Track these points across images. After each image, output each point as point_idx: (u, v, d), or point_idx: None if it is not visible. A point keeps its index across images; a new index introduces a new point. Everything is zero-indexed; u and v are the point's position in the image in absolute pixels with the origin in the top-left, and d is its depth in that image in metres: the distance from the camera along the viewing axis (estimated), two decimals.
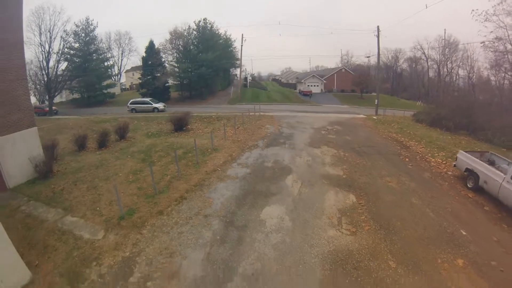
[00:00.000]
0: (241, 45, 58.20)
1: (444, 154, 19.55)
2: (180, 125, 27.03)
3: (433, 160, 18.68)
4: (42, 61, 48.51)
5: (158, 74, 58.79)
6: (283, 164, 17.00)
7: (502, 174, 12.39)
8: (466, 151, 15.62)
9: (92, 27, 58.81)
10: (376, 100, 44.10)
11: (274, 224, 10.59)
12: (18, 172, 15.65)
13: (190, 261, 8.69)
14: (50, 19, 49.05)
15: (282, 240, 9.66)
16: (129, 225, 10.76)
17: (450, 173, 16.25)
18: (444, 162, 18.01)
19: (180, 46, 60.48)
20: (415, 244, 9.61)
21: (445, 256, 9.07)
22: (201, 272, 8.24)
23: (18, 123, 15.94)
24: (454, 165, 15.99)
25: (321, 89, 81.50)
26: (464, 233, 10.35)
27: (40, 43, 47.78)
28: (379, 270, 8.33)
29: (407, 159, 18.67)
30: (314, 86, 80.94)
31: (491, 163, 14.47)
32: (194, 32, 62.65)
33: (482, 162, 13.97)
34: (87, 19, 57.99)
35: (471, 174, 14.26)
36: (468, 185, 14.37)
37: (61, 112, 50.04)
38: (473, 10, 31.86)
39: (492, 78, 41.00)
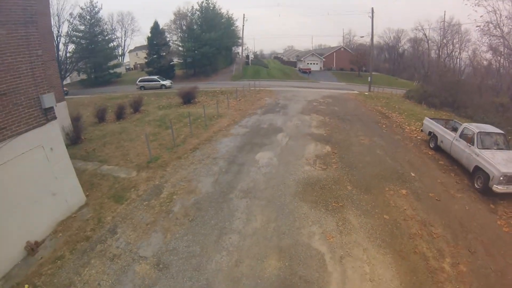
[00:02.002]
0: (243, 25, 60.55)
1: (419, 124, 21.53)
2: (188, 98, 30.01)
3: (407, 127, 21.52)
4: (54, 42, 50.13)
5: (163, 53, 60.97)
6: (276, 126, 20.35)
7: (453, 134, 15.16)
8: (431, 118, 18.31)
9: (96, 9, 60.23)
10: (369, 77, 46.68)
11: (265, 162, 14.03)
12: None
13: (203, 184, 12.08)
14: (58, 3, 51.42)
15: (269, 171, 13.09)
16: (156, 166, 13.96)
17: (419, 138, 18.97)
18: (417, 130, 20.61)
19: (184, 26, 62.66)
20: (370, 177, 12.68)
21: (392, 187, 11.97)
22: (211, 189, 11.63)
23: None
24: (421, 130, 18.79)
25: (320, 67, 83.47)
26: (413, 174, 13.18)
27: (51, 26, 49.57)
28: (338, 190, 11.54)
29: (384, 126, 21.66)
30: (314, 64, 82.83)
31: (454, 129, 16.82)
32: (197, 13, 64.85)
33: (440, 125, 16.71)
34: (91, 1, 59.24)
35: (432, 136, 17.02)
36: (430, 145, 17.11)
37: (70, 93, 51.26)
38: None
39: (492, 62, 41.95)
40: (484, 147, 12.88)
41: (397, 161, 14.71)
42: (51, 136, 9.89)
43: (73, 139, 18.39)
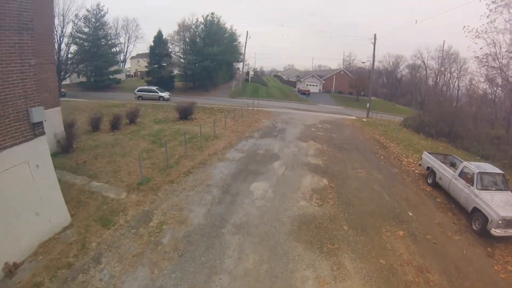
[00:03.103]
0: (245, 42, 61.03)
1: (417, 156, 21.74)
2: (185, 114, 29.71)
3: (405, 160, 21.28)
4: (54, 44, 49.86)
5: (164, 64, 61.03)
6: (272, 152, 20.02)
7: (452, 172, 14.99)
8: (429, 153, 18.10)
9: (102, 13, 59.95)
10: (367, 104, 46.79)
11: (259, 194, 13.62)
12: None
13: (195, 214, 11.61)
14: (64, 3, 51.38)
15: (264, 204, 12.68)
16: (147, 189, 13.47)
17: (417, 171, 18.72)
18: (415, 162, 20.39)
19: (187, 38, 62.78)
20: (367, 216, 12.37)
21: (389, 227, 11.69)
22: (203, 221, 11.17)
23: (45, 102, 16.67)
24: (419, 164, 18.64)
25: (319, 89, 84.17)
26: (410, 214, 12.92)
27: (54, 27, 49.29)
28: (334, 230, 11.17)
29: (381, 157, 21.42)
30: (313, 85, 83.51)
31: (453, 165, 16.93)
32: (202, 26, 65.06)
33: (439, 161, 16.53)
34: (98, 4, 59.26)
35: (431, 172, 16.79)
36: (428, 181, 16.89)
37: (68, 95, 51.45)
38: (464, 27, 32.51)
39: (488, 91, 42.51)
40: (484, 188, 12.72)
41: (395, 198, 14.47)
42: (38, 153, 9.43)
43: (65, 148, 17.99)
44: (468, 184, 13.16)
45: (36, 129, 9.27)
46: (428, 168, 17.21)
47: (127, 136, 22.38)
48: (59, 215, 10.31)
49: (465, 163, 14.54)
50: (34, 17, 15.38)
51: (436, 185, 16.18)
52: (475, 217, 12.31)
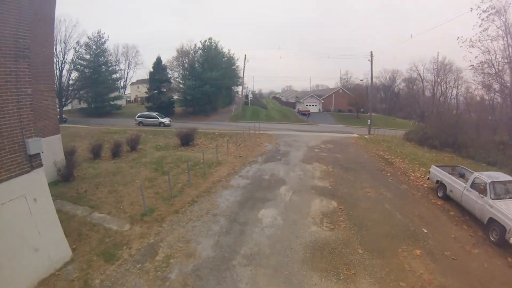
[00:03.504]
0: (244, 65, 61.33)
1: (424, 169, 21.74)
2: (186, 140, 29.34)
3: (412, 174, 21.09)
4: (56, 70, 49.92)
5: (164, 90, 61.42)
6: (278, 177, 19.58)
7: (463, 184, 14.71)
8: (438, 166, 17.95)
9: (103, 40, 61.14)
10: (368, 120, 46.71)
11: (268, 221, 13.12)
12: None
13: (203, 246, 11.08)
14: (66, 30, 52.07)
15: (274, 232, 12.16)
16: (151, 220, 12.98)
17: (425, 185, 18.56)
18: (422, 176, 20.28)
19: (186, 63, 63.34)
20: (381, 238, 11.95)
21: (405, 247, 11.28)
22: (212, 253, 10.63)
23: (45, 129, 16.82)
24: (428, 178, 18.33)
25: (319, 109, 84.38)
26: (425, 231, 12.57)
27: (55, 53, 49.65)
28: (349, 254, 10.69)
29: (388, 174, 21.14)
30: (312, 105, 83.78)
31: (461, 176, 16.77)
32: (200, 51, 65.74)
33: (448, 174, 16.28)
34: (99, 32, 60.34)
35: (440, 185, 16.55)
36: (438, 194, 16.65)
37: (69, 121, 51.91)
38: (458, 38, 33.08)
39: (485, 97, 42.86)
40: (498, 197, 12.46)
41: (407, 216, 14.10)
42: (35, 186, 9.02)
43: (65, 176, 17.55)
44: (481, 194, 12.93)
45: (33, 161, 8.90)
46: (437, 181, 16.97)
47: (129, 164, 21.95)
48: (60, 250, 9.79)
49: (476, 173, 14.35)
50: (34, 44, 15.41)
51: (447, 198, 15.96)
52: (491, 228, 12.07)
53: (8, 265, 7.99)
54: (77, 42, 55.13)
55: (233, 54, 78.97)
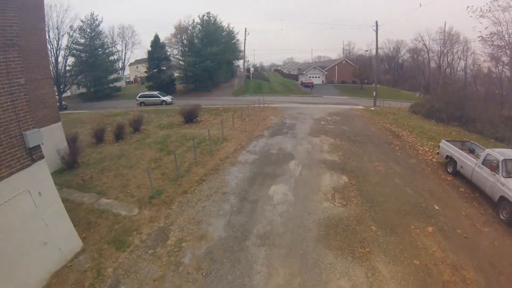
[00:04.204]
0: (244, 39, 60.06)
1: (432, 143, 21.30)
2: (190, 117, 28.94)
3: (421, 148, 20.61)
4: (51, 57, 49.55)
5: (164, 68, 60.52)
6: (286, 151, 19.20)
7: (474, 160, 14.27)
8: (447, 140, 17.46)
9: (97, 22, 60.21)
10: (374, 92, 45.91)
11: (280, 198, 12.85)
12: (46, 164, 16.57)
13: (214, 227, 10.86)
14: (57, 16, 51.29)
15: (286, 210, 11.91)
16: (159, 202, 12.72)
17: (434, 160, 18.11)
18: (431, 150, 19.81)
19: (184, 40, 62.25)
20: (393, 214, 11.67)
21: (417, 224, 11.04)
22: (224, 234, 10.42)
23: (45, 119, 16.63)
24: (437, 153, 17.89)
25: (322, 81, 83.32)
26: (436, 207, 12.26)
27: (49, 41, 49.33)
28: (363, 232, 10.46)
29: (397, 147, 20.65)
30: (316, 77, 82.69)
31: (471, 151, 16.30)
32: (198, 26, 64.43)
33: (459, 149, 15.81)
34: (92, 14, 59.24)
35: (450, 160, 16.13)
36: (448, 170, 16.24)
37: (70, 107, 51.35)
38: (468, 7, 32.42)
39: (493, 70, 41.98)
40: (510, 175, 12.01)
41: (418, 191, 13.77)
42: (38, 179, 8.69)
43: (69, 163, 17.35)
44: (493, 172, 12.54)
45: (34, 154, 8.54)
46: (447, 156, 16.58)
47: (133, 146, 21.65)
48: (69, 241, 9.60)
49: (488, 150, 13.87)
50: (25, 32, 14.84)
51: (456, 174, 15.59)
52: (502, 207, 11.71)
53: (19, 262, 7.82)
54: (71, 27, 54.36)
55: (232, 28, 77.54)
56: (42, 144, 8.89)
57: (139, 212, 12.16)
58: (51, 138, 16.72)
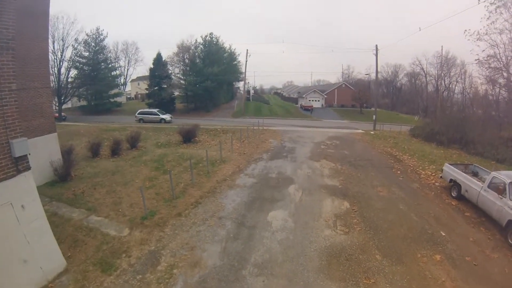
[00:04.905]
0: (246, 60, 60.43)
1: (434, 167, 21.07)
2: (188, 137, 28.53)
3: (423, 172, 20.23)
4: (54, 68, 50.15)
5: (165, 86, 60.52)
6: (285, 175, 18.67)
7: (480, 184, 13.91)
8: (451, 164, 17.13)
9: (102, 37, 60.86)
10: (374, 116, 45.78)
11: (279, 224, 12.23)
12: (38, 174, 15.43)
13: (209, 253, 10.20)
14: (63, 27, 51.46)
15: (286, 237, 11.28)
16: (152, 224, 12.11)
17: (437, 184, 17.76)
18: (433, 174, 19.50)
19: (186, 59, 62.31)
20: (398, 242, 11.13)
21: (424, 252, 10.53)
22: (219, 261, 9.76)
23: (40, 128, 16.46)
24: (441, 177, 17.53)
25: (322, 104, 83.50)
26: (443, 234, 11.79)
27: (53, 51, 49.79)
28: (367, 261, 9.86)
29: (399, 172, 20.27)
30: (315, 101, 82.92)
31: (475, 174, 16.02)
32: (201, 46, 64.78)
33: (463, 173, 15.46)
34: (97, 29, 59.88)
35: (454, 184, 15.72)
36: (452, 194, 15.83)
37: (69, 118, 51.44)
38: (465, 31, 32.77)
39: (490, 92, 42.33)
40: None
41: (423, 217, 13.31)
42: (22, 191, 8.17)
43: (62, 176, 16.90)
44: (500, 195, 12.20)
45: (20, 164, 8.03)
46: (451, 180, 16.16)
47: (128, 163, 21.13)
48: (52, 260, 8.99)
49: (494, 173, 13.50)
50: (27, 39, 14.68)
51: (461, 198, 15.19)
52: (511, 231, 11.36)
53: None
54: (76, 39, 54.71)
55: (234, 49, 78.15)
56: (29, 154, 8.41)
57: (129, 233, 11.57)
58: (45, 149, 16.50)
